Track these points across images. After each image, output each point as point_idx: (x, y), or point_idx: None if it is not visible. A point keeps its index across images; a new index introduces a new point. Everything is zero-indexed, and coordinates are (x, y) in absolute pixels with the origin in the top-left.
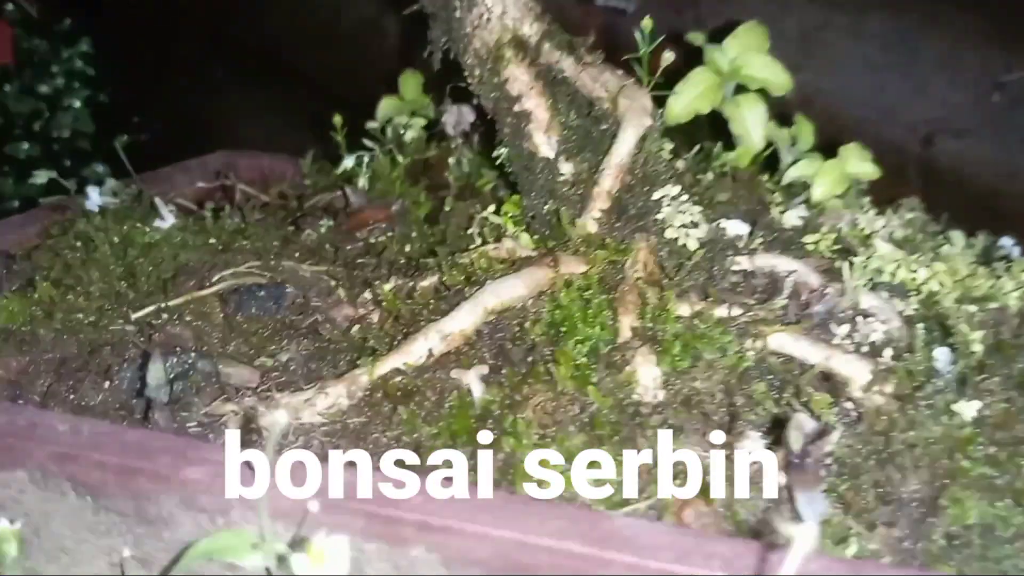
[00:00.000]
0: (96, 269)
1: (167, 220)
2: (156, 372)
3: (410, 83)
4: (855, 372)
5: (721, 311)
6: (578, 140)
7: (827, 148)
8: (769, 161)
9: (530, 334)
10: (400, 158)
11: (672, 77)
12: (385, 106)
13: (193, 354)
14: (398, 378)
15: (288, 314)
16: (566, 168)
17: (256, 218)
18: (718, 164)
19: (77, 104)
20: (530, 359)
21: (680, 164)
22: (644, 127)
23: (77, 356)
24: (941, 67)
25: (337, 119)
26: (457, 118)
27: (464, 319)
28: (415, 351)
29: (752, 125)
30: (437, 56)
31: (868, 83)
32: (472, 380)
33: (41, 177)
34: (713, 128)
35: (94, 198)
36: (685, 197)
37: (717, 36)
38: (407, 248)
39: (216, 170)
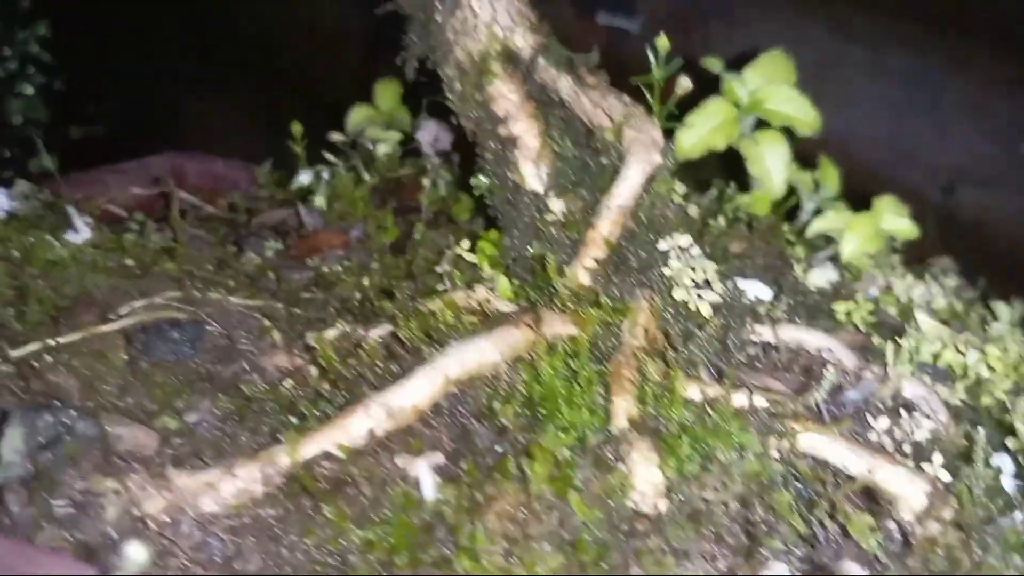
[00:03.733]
0: None
1: (80, 233)
2: (12, 441)
3: (387, 92)
4: (906, 490)
5: (739, 398)
6: (573, 173)
7: (842, 190)
8: (788, 204)
9: (501, 414)
10: (367, 176)
11: (681, 107)
12: (357, 116)
13: (74, 412)
14: (327, 463)
15: (206, 360)
16: (557, 205)
17: (191, 234)
18: (731, 207)
19: (30, 91)
20: (499, 448)
21: (693, 210)
22: (653, 164)
23: None
24: (966, 112)
25: (296, 128)
26: (434, 135)
27: (418, 390)
28: (352, 428)
29: (773, 166)
30: (411, 64)
31: (887, 124)
32: (422, 472)
33: None
34: (723, 165)
35: (1, 202)
36: (697, 250)
37: (736, 64)
38: (364, 281)
39: (156, 175)
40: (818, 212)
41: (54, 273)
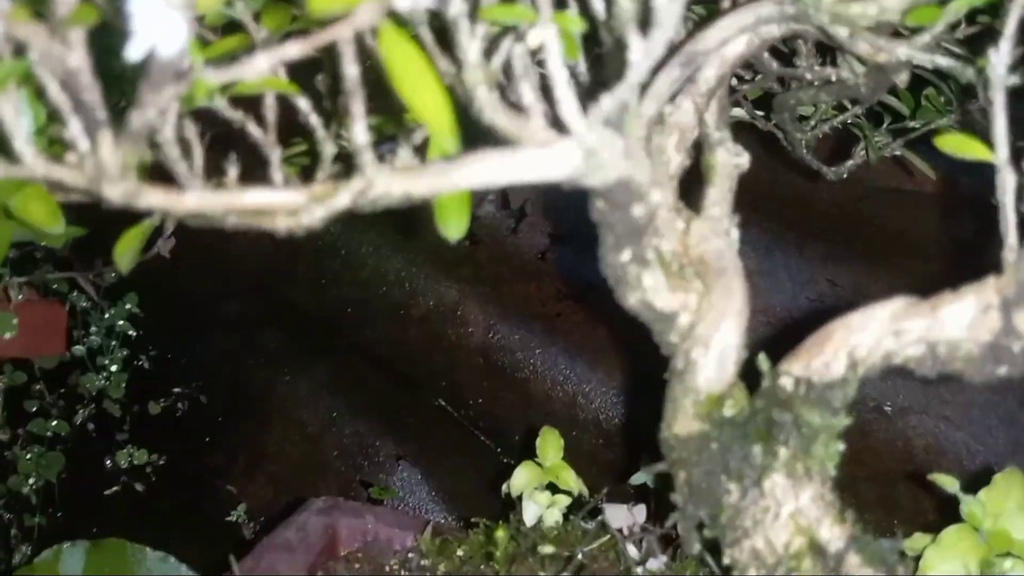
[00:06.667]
0: None
1: None
2: None
3: (551, 444)
4: None
5: None
6: None
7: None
8: None
9: None
10: None
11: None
12: (522, 477)
13: None
14: None
15: None
16: None
17: None
18: None
19: (114, 368)
20: None
21: None
22: None
23: None
24: None
25: (500, 534)
26: (628, 519)
27: None
28: None
29: None
30: (691, 535)
31: (1005, 437)
32: None
33: None
34: None
35: None
36: None
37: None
38: None
39: (317, 544)
40: None
41: None
